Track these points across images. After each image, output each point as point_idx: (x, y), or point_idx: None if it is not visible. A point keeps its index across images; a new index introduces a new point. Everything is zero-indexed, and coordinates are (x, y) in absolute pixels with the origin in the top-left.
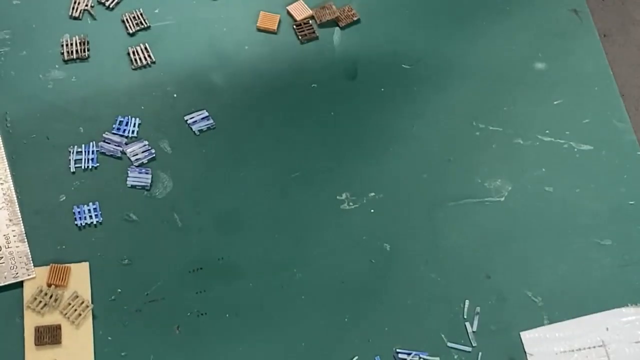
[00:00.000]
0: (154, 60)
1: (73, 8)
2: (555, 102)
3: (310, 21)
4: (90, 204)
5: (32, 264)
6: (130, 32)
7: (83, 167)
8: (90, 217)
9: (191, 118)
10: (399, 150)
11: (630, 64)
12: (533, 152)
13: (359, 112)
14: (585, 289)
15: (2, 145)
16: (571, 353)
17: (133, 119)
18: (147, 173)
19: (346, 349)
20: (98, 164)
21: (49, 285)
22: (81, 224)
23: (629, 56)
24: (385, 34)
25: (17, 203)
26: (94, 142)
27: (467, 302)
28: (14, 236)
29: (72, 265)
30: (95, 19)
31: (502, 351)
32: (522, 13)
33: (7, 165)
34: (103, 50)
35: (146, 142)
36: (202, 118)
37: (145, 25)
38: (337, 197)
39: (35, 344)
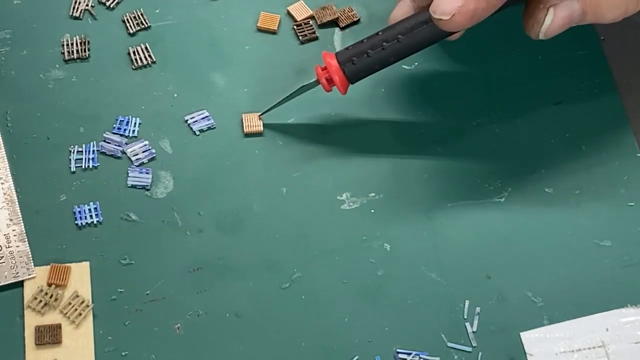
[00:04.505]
0: (154, 60)
1: (73, 8)
2: (555, 103)
3: (311, 21)
4: (91, 203)
5: (32, 264)
6: (131, 32)
7: (83, 167)
8: (91, 216)
9: (191, 118)
10: (399, 150)
11: (630, 65)
12: (533, 152)
13: (359, 112)
14: (585, 289)
15: (2, 145)
16: (571, 353)
17: (133, 118)
18: (147, 173)
19: (346, 349)
20: (98, 164)
21: (50, 285)
22: (81, 223)
23: (628, 57)
24: None
25: (17, 203)
26: (94, 142)
27: (467, 302)
28: (14, 236)
29: (73, 265)
30: (95, 18)
31: (502, 351)
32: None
33: (7, 164)
34: (103, 50)
35: (146, 142)
36: (202, 118)
37: (146, 25)
38: (337, 197)
39: (36, 344)
